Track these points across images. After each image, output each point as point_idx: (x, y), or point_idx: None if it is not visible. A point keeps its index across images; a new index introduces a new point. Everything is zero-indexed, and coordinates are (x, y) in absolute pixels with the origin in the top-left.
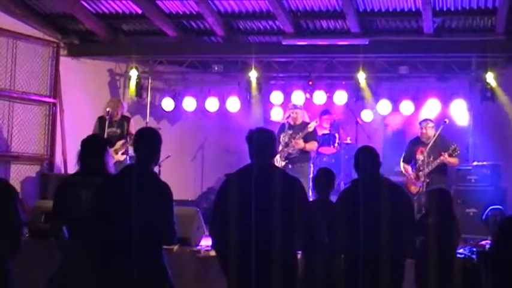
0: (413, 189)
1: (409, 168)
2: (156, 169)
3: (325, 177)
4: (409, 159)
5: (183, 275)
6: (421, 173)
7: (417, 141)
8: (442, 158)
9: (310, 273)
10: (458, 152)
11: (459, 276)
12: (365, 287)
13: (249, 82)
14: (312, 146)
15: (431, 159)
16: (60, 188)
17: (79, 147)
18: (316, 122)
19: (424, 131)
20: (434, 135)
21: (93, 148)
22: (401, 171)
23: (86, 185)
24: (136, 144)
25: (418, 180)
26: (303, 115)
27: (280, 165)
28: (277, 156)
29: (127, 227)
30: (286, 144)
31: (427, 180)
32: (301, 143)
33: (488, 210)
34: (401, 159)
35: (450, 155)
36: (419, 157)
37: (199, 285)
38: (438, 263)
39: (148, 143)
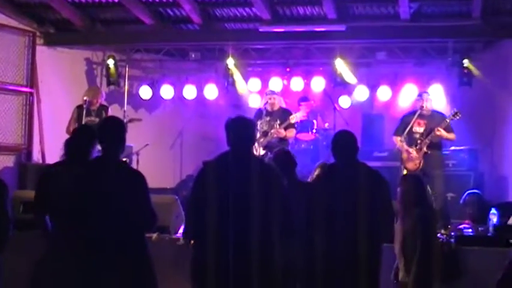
0: (412, 165)
1: (404, 144)
2: (134, 157)
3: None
4: (402, 131)
5: (162, 263)
6: (421, 145)
7: (414, 114)
8: (437, 132)
9: (289, 260)
10: (460, 115)
11: (437, 260)
12: (343, 272)
13: (226, 69)
14: (291, 133)
15: (429, 129)
16: (42, 177)
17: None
18: (302, 114)
19: (425, 103)
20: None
21: (82, 138)
22: (396, 146)
23: (67, 174)
24: (102, 135)
25: (419, 153)
26: (280, 101)
27: (259, 154)
28: (256, 145)
29: (105, 217)
30: (265, 133)
31: (429, 152)
32: (282, 132)
33: (466, 194)
34: (394, 133)
35: (450, 122)
36: (418, 129)
37: (178, 273)
38: (415, 248)
39: (114, 133)
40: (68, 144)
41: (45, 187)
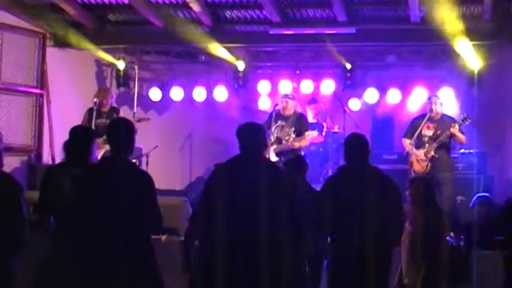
0: (419, 168)
1: (412, 146)
2: (143, 159)
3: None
4: (412, 134)
5: (171, 264)
6: (428, 149)
7: (424, 117)
8: (452, 129)
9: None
10: (469, 120)
11: (446, 264)
12: (353, 275)
13: (236, 71)
14: (305, 143)
15: (438, 133)
16: (44, 178)
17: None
18: (317, 134)
19: (434, 106)
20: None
21: (79, 139)
22: (406, 149)
23: (68, 175)
24: (110, 136)
25: (426, 157)
26: (295, 105)
27: (273, 160)
28: (270, 150)
29: (110, 218)
30: (279, 139)
31: (436, 156)
32: (296, 145)
33: (475, 197)
34: (403, 136)
35: (460, 126)
36: (427, 132)
37: (188, 275)
38: (424, 251)
39: (123, 133)
40: (65, 145)
41: (46, 188)
